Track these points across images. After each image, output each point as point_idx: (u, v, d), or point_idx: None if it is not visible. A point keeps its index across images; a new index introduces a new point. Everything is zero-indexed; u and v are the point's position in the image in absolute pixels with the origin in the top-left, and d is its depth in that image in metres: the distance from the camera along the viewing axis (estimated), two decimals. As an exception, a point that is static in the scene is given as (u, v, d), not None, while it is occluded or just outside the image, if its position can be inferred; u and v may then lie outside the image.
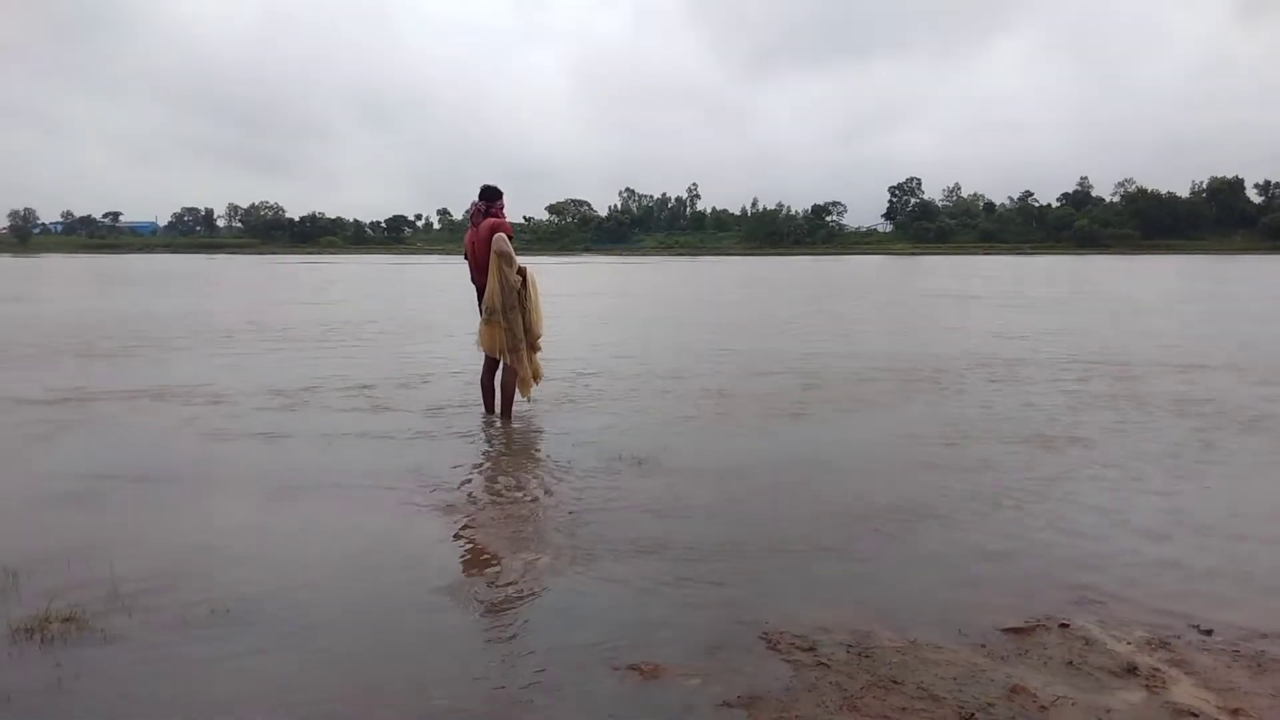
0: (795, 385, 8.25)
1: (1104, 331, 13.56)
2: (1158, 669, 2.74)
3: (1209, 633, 3.02)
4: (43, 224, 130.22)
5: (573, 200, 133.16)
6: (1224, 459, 5.46)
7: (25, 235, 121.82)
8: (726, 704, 2.52)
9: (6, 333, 13.06)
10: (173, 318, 15.98)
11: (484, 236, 6.27)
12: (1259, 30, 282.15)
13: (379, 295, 24.58)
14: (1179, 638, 2.98)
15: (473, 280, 6.50)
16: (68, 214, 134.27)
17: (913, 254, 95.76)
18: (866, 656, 2.81)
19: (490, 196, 6.38)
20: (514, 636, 2.97)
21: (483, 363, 6.64)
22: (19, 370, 9.20)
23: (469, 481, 4.92)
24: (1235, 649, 2.90)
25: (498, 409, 6.53)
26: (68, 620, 3.01)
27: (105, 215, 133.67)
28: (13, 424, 6.42)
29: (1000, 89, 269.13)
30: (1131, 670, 2.73)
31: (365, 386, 8.00)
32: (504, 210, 6.43)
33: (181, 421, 6.47)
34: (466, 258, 6.50)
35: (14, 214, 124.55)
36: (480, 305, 6.39)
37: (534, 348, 6.49)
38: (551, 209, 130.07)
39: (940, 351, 10.77)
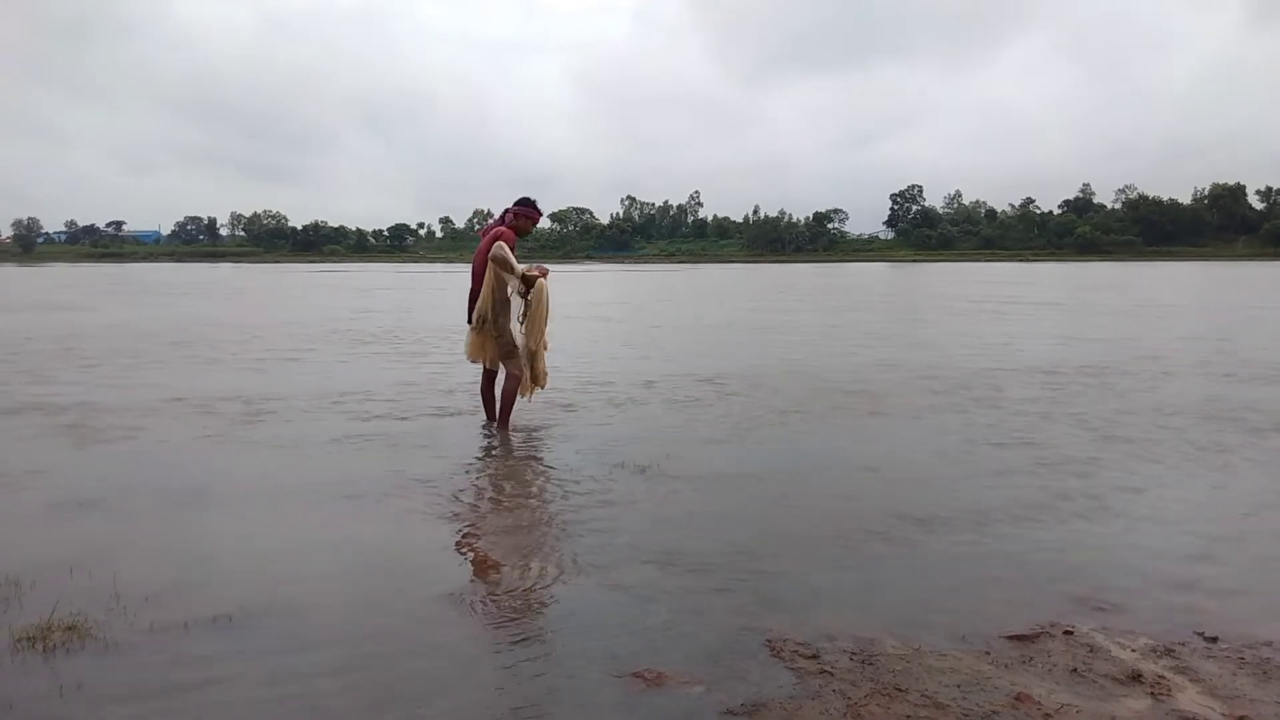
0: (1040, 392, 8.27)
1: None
2: (1163, 676, 2.73)
3: (1214, 640, 3.01)
4: (46, 233, 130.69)
5: (575, 208, 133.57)
6: (1244, 465, 5.45)
7: (29, 244, 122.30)
8: (730, 712, 2.51)
9: (111, 340, 13.03)
10: (261, 326, 15.99)
11: (485, 246, 6.25)
12: (1268, 35, 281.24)
13: (436, 305, 23.56)
14: (1184, 645, 2.97)
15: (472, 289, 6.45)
16: (71, 223, 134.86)
17: (915, 261, 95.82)
18: (870, 664, 2.81)
19: (521, 203, 6.36)
20: (516, 645, 2.96)
21: (482, 371, 6.63)
22: (183, 375, 9.28)
23: (471, 489, 4.91)
24: (1240, 656, 2.89)
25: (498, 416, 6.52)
26: (70, 629, 3.01)
27: (109, 224, 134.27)
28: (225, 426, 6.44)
29: (1004, 95, 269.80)
30: (1136, 677, 2.72)
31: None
32: (524, 216, 6.34)
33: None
34: None
35: (18, 223, 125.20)
36: (469, 312, 6.34)
37: (536, 353, 6.34)
38: (554, 217, 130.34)
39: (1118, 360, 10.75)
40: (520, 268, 6.13)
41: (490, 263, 6.08)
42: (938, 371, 9.56)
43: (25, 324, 16.29)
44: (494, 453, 5.84)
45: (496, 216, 6.45)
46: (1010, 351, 11.59)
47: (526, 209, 6.37)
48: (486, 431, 6.41)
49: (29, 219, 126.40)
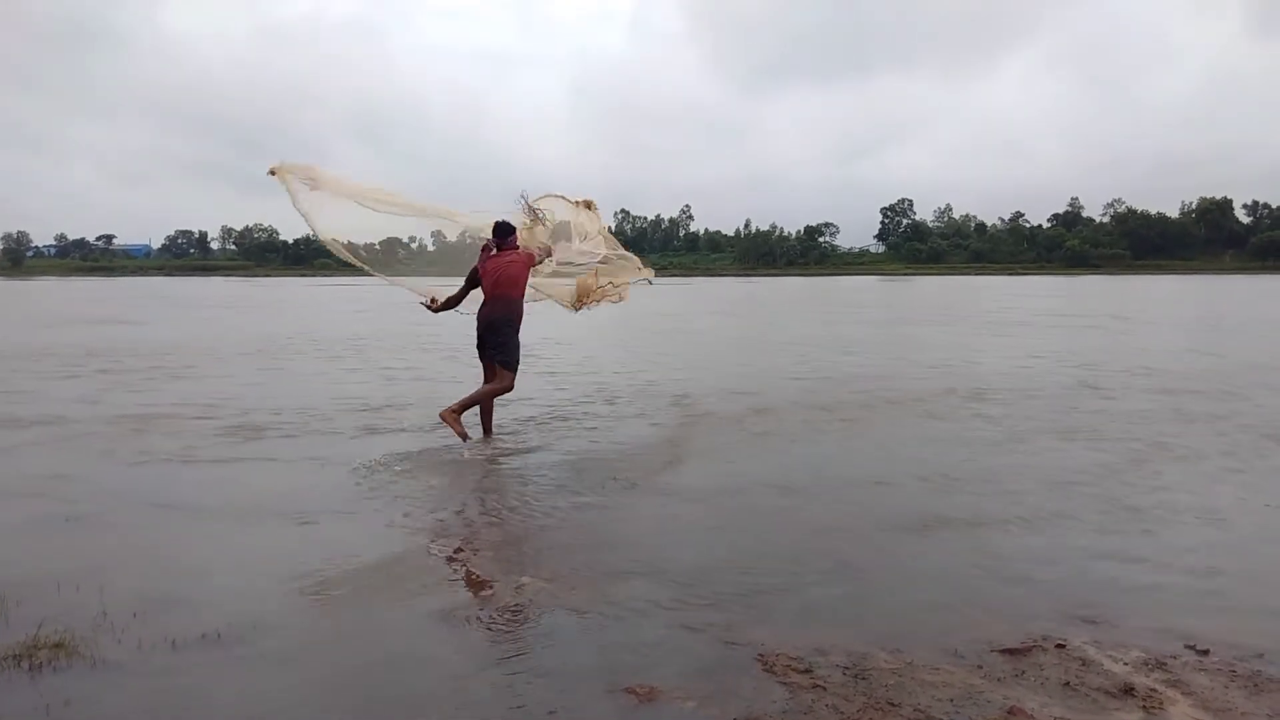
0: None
1: None
2: (1155, 689, 2.73)
3: (1205, 653, 3.01)
4: (36, 247, 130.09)
5: (568, 222, 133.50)
6: (1242, 476, 5.47)
7: (19, 258, 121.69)
8: (722, 727, 2.50)
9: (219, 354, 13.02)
10: (350, 338, 16.27)
11: (517, 267, 6.43)
12: (1266, 47, 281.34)
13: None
14: (1175, 658, 2.97)
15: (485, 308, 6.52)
16: (61, 237, 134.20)
17: (906, 275, 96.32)
18: (863, 678, 2.80)
19: (504, 234, 6.49)
20: (508, 660, 2.95)
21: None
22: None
23: (461, 504, 4.89)
24: (1232, 669, 2.89)
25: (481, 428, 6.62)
26: (57, 646, 2.98)
27: (99, 238, 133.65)
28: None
29: (998, 108, 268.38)
30: (1128, 691, 2.72)
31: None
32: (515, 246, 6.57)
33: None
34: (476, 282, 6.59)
35: (7, 237, 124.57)
36: (487, 331, 6.42)
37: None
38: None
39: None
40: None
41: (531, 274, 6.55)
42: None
43: (107, 339, 16.22)
44: (484, 467, 5.82)
45: (495, 240, 6.50)
46: (1206, 369, 10.98)
47: (512, 237, 6.54)
48: (481, 444, 6.38)
49: (18, 233, 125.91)
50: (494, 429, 6.66)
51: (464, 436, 6.27)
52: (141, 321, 22.13)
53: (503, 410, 7.02)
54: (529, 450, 6.28)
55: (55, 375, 10.59)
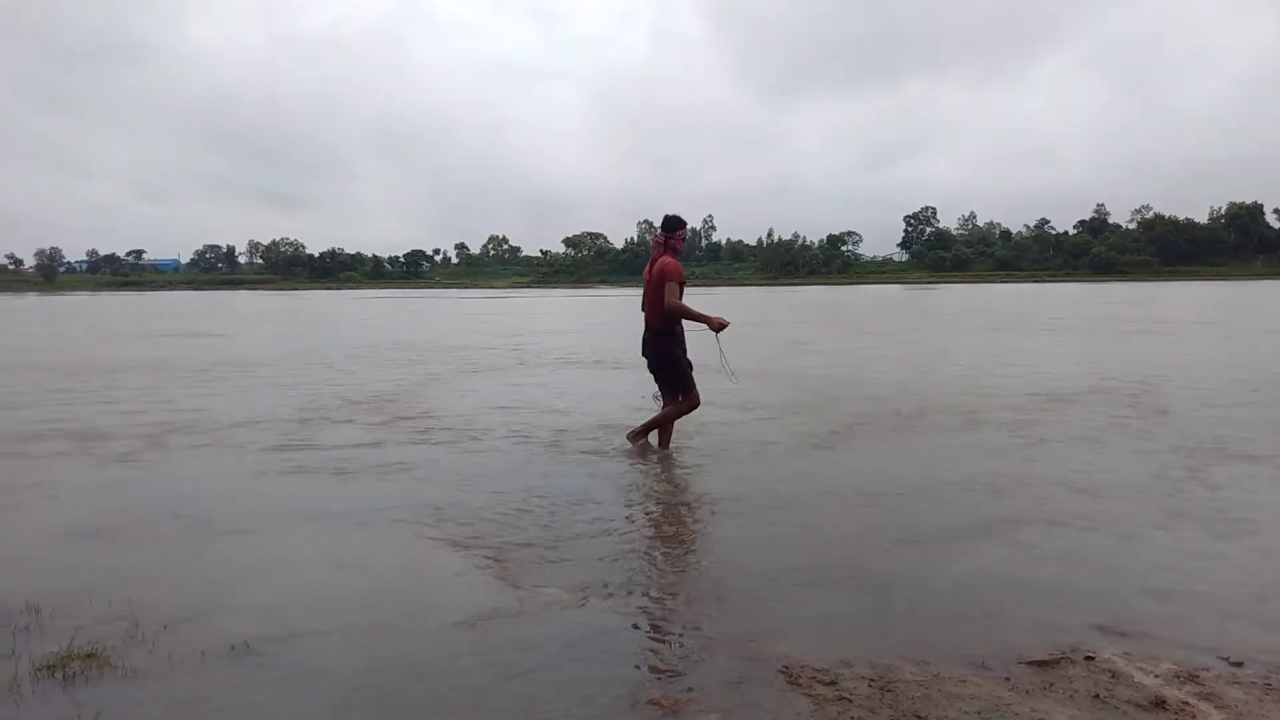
0: None
1: None
2: (1187, 703, 2.69)
3: (1239, 665, 2.96)
4: (68, 262, 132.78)
5: (589, 233, 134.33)
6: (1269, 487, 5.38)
7: (51, 273, 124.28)
8: (747, 740, 2.49)
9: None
10: (460, 346, 16.79)
11: (654, 279, 6.11)
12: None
13: (573, 328, 24.61)
14: (1208, 670, 2.93)
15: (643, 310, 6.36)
16: (92, 252, 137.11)
17: (930, 283, 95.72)
18: (889, 690, 2.78)
19: (670, 227, 6.17)
20: (532, 671, 2.95)
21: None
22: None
23: (486, 516, 4.90)
24: (1267, 682, 2.84)
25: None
26: (89, 657, 3.03)
27: (129, 253, 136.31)
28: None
29: (1027, 114, 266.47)
30: (1160, 704, 2.68)
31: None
32: (684, 240, 6.28)
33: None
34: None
35: (40, 253, 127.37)
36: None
37: None
38: (568, 242, 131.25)
39: None
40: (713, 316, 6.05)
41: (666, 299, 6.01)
42: None
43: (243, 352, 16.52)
44: (508, 478, 5.83)
45: (655, 240, 6.25)
46: None
47: (680, 231, 6.23)
48: (524, 454, 6.43)
49: (51, 249, 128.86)
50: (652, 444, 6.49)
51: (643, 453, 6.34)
52: (221, 334, 22.61)
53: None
54: (550, 462, 6.28)
55: (198, 388, 10.76)
